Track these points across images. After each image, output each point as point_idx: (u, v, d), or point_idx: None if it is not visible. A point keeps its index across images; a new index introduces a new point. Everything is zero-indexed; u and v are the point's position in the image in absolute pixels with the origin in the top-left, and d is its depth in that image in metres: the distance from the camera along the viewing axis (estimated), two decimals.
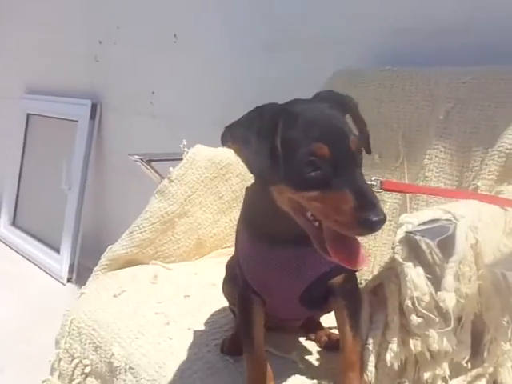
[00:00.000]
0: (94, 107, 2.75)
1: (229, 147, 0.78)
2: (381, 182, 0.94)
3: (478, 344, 0.84)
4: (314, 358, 0.98)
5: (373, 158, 1.44)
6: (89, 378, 1.14)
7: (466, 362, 0.84)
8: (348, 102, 0.83)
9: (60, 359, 1.20)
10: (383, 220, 0.68)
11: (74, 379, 1.16)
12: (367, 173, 1.40)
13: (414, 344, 0.83)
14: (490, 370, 0.85)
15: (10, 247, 3.30)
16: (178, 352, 0.99)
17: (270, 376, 0.86)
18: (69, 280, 2.79)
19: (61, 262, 2.83)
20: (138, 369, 1.00)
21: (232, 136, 0.76)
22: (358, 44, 1.65)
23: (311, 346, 1.02)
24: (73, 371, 1.16)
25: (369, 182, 0.95)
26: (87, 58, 2.82)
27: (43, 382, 1.24)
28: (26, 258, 3.13)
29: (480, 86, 1.26)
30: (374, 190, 0.95)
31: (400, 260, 0.78)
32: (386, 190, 0.95)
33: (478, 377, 0.86)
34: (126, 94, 2.63)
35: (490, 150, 1.18)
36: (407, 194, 1.31)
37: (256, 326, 0.87)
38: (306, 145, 0.71)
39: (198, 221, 1.45)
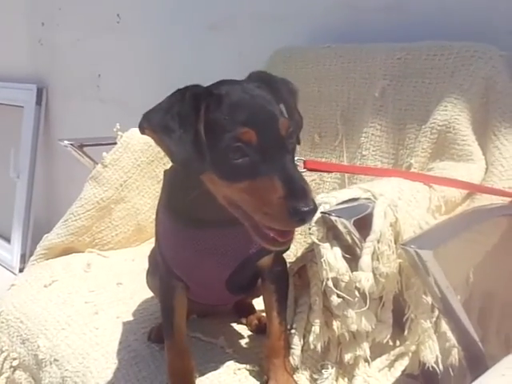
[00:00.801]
0: (39, 92, 2.65)
1: (146, 135, 0.72)
2: (304, 161, 0.92)
3: (401, 323, 0.84)
4: (242, 343, 0.97)
5: (313, 138, 1.43)
6: (17, 372, 1.10)
7: (390, 341, 0.84)
8: (281, 85, 0.77)
9: None
10: (314, 210, 0.64)
11: (3, 373, 1.12)
12: (309, 152, 1.43)
13: (337, 326, 0.82)
14: (413, 348, 0.85)
15: None
16: (103, 342, 0.97)
17: (192, 366, 0.84)
18: (21, 270, 2.72)
19: (12, 252, 2.76)
20: (63, 360, 0.97)
21: (150, 123, 0.70)
22: (299, 22, 1.62)
23: (242, 330, 1.01)
24: (2, 365, 1.12)
25: None
26: (31, 41, 2.72)
27: None
28: None
29: (414, 63, 1.24)
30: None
31: (316, 241, 0.77)
32: (308, 169, 0.93)
33: (401, 355, 0.86)
34: (73, 77, 2.55)
35: (422, 126, 1.17)
36: (345, 174, 1.30)
37: (177, 312, 0.85)
38: (231, 129, 0.66)
39: (137, 206, 1.41)
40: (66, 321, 1.05)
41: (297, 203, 0.63)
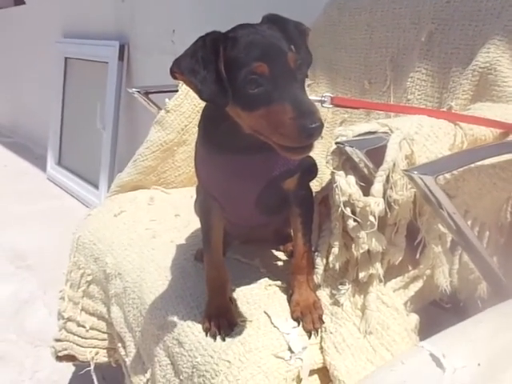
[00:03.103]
0: (121, 48, 2.84)
1: (177, 79, 0.84)
2: (331, 97, 0.99)
3: (415, 248, 0.91)
4: (276, 265, 1.08)
5: (363, 85, 1.48)
6: (91, 286, 1.29)
7: (404, 264, 0.92)
8: (291, 26, 0.86)
9: (71, 271, 1.36)
10: (320, 127, 0.73)
11: (81, 287, 1.31)
12: (359, 97, 1.48)
13: (355, 248, 0.90)
14: (427, 272, 0.92)
15: (57, 185, 3.55)
16: (157, 260, 1.12)
17: (226, 277, 0.96)
18: None
19: (99, 198, 3.02)
20: (124, 274, 1.13)
21: (179, 68, 0.82)
22: None
23: (278, 255, 1.12)
24: (79, 280, 1.32)
25: (319, 98, 1.02)
26: None
27: (60, 291, 1.41)
28: (71, 194, 3.36)
29: (463, 5, 1.25)
30: (325, 105, 1.01)
31: (331, 169, 0.85)
32: (335, 105, 1.00)
33: (416, 278, 0.93)
34: (150, 33, 2.70)
35: (466, 69, 1.19)
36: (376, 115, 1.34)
37: (214, 229, 0.97)
38: (246, 65, 0.77)
39: None
40: (129, 243, 1.21)
41: (304, 121, 0.72)
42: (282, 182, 0.91)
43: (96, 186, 3.11)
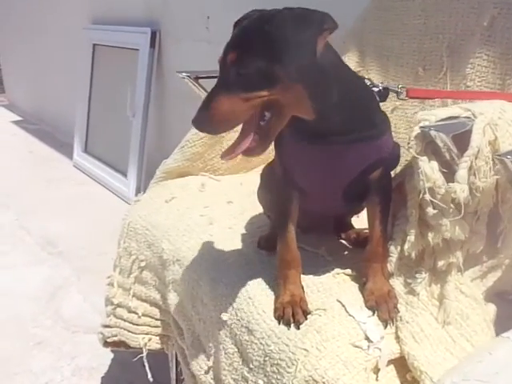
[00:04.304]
0: (153, 35, 2.81)
1: None
2: (406, 89, 0.96)
3: (495, 237, 0.89)
4: (341, 253, 1.06)
5: (416, 72, 1.44)
6: (144, 272, 1.28)
7: (485, 257, 0.89)
8: (289, 20, 0.78)
9: (120, 257, 1.35)
10: (194, 121, 0.80)
11: (132, 273, 1.30)
12: (412, 84, 1.45)
13: (431, 236, 0.88)
14: (506, 261, 0.89)
15: (83, 172, 3.55)
16: (218, 246, 1.10)
17: (298, 261, 0.94)
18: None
19: (128, 186, 3.02)
20: (184, 260, 1.12)
21: None
22: None
23: (341, 244, 1.10)
24: (131, 266, 1.31)
25: (395, 89, 0.99)
26: None
27: (108, 277, 1.40)
28: (97, 182, 3.37)
29: None
30: (401, 97, 0.99)
31: (414, 154, 0.83)
32: (411, 97, 0.97)
33: (494, 267, 0.91)
34: (183, 20, 2.68)
35: None
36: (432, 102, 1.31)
37: (292, 218, 0.95)
38: None
39: None
40: (185, 229, 1.19)
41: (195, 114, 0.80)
42: (372, 172, 0.90)
43: (124, 174, 3.10)
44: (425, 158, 0.82)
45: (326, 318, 0.86)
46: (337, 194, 0.93)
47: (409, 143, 0.83)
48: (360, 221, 1.10)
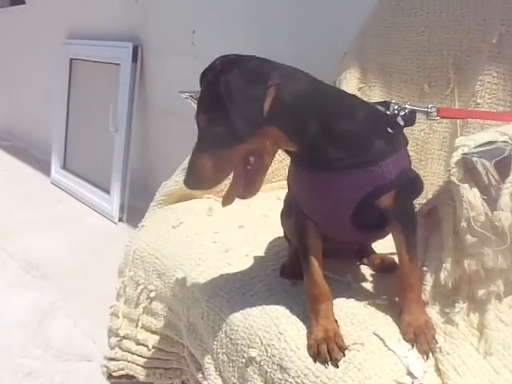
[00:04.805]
0: (135, 50, 2.77)
1: None
2: (437, 109, 0.94)
3: None
4: (367, 280, 1.03)
5: (422, 88, 1.43)
6: (154, 302, 1.22)
7: None
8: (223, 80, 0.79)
9: (125, 286, 1.29)
10: (186, 183, 0.86)
11: (140, 303, 1.24)
12: (417, 101, 1.43)
13: (468, 263, 0.86)
14: None
15: (62, 190, 3.44)
16: (237, 276, 1.05)
17: (328, 294, 0.91)
18: (120, 219, 2.91)
19: (111, 203, 2.94)
20: (201, 292, 1.06)
21: None
22: None
23: (365, 269, 1.07)
24: (138, 296, 1.25)
25: (424, 109, 0.96)
26: None
27: (111, 307, 1.33)
28: (78, 199, 3.27)
29: None
30: (431, 117, 0.96)
31: (456, 181, 0.80)
32: (442, 117, 0.95)
33: None
34: (167, 34, 2.63)
35: None
36: (458, 122, 1.30)
37: (313, 249, 0.91)
38: None
39: None
40: (199, 257, 1.14)
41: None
42: (375, 199, 0.86)
43: (106, 191, 3.02)
44: (467, 186, 0.80)
45: (365, 354, 0.83)
46: (344, 222, 0.89)
47: (449, 170, 0.80)
48: (382, 246, 1.07)
